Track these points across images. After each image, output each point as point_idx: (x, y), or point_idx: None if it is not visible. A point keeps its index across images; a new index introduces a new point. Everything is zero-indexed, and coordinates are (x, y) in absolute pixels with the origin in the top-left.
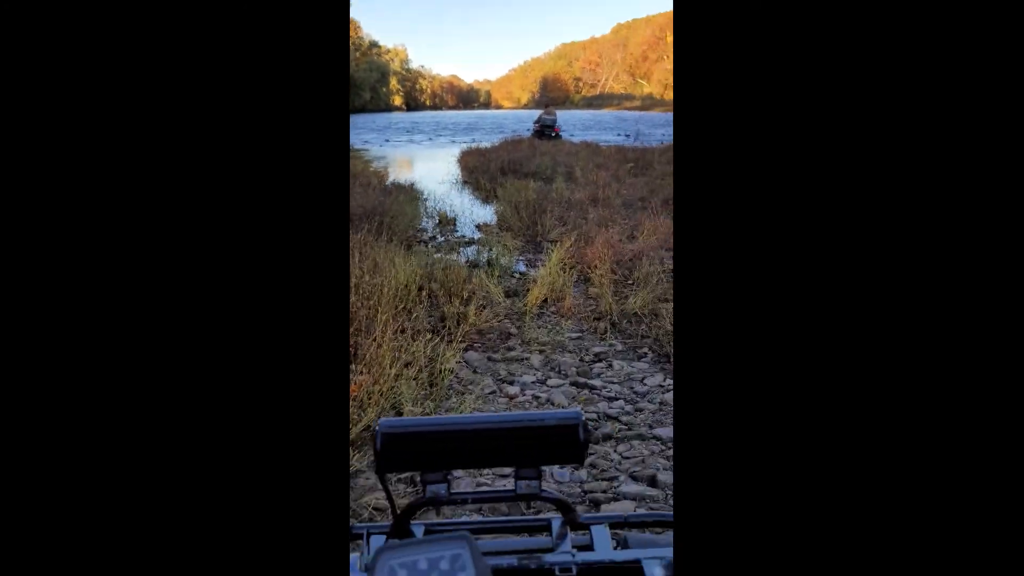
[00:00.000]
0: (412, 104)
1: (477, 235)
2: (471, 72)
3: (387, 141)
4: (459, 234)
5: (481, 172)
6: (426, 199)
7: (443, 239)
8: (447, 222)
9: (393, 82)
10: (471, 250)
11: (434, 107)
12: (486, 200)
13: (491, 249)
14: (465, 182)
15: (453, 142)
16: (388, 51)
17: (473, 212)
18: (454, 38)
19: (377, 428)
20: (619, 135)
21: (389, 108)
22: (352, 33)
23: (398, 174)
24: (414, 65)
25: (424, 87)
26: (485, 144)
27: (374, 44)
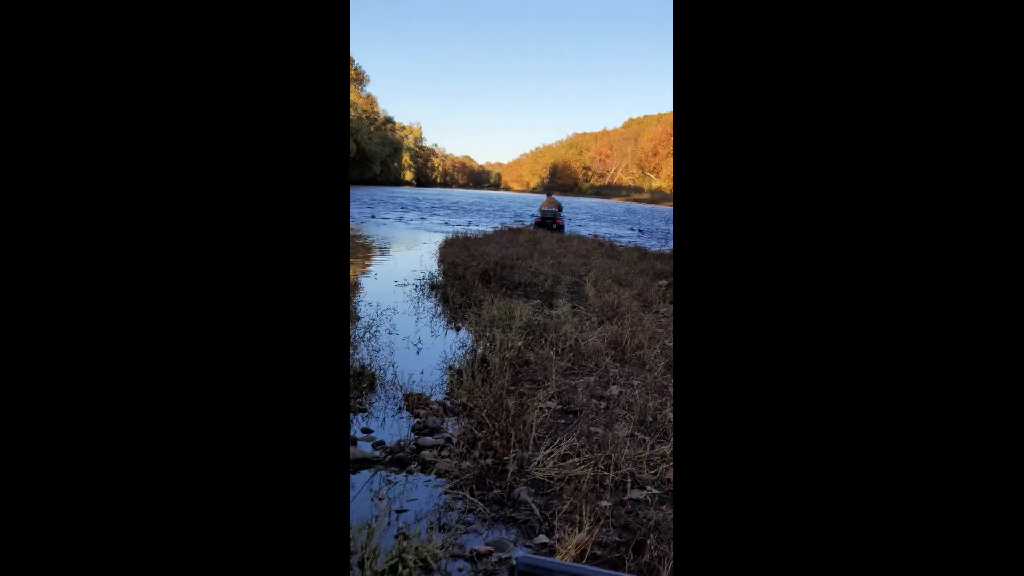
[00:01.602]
0: (423, 180)
1: (396, 432)
2: (484, 154)
3: (372, 218)
4: (372, 417)
5: (457, 277)
6: (358, 319)
7: None
8: (364, 381)
9: (406, 158)
10: (365, 478)
11: (444, 184)
12: (450, 325)
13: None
14: (433, 287)
15: (446, 224)
16: (403, 128)
17: (420, 355)
18: (469, 121)
19: (515, 562)
20: (632, 229)
21: (399, 182)
22: (368, 108)
23: (352, 269)
24: (428, 143)
25: (436, 165)
26: (481, 229)
27: (389, 120)
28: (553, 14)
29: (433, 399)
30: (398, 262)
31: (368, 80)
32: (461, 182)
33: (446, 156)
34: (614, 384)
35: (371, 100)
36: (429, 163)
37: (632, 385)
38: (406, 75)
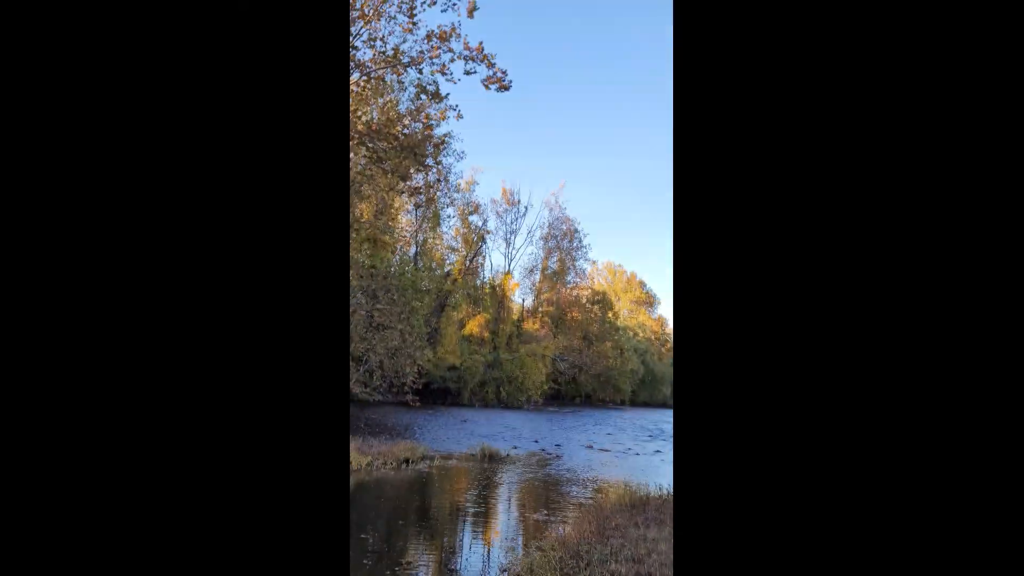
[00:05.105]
0: None
1: None
2: None
3: (589, 447)
4: None
5: None
6: None
7: None
8: None
9: None
10: None
11: None
12: None
13: None
14: None
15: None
16: None
17: None
18: None
19: None
20: None
21: None
22: (658, 329)
23: None
24: None
25: None
26: None
27: None
28: None
29: None
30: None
31: (659, 303)
32: None
33: None
34: None
35: (661, 321)
36: None
37: None
38: None
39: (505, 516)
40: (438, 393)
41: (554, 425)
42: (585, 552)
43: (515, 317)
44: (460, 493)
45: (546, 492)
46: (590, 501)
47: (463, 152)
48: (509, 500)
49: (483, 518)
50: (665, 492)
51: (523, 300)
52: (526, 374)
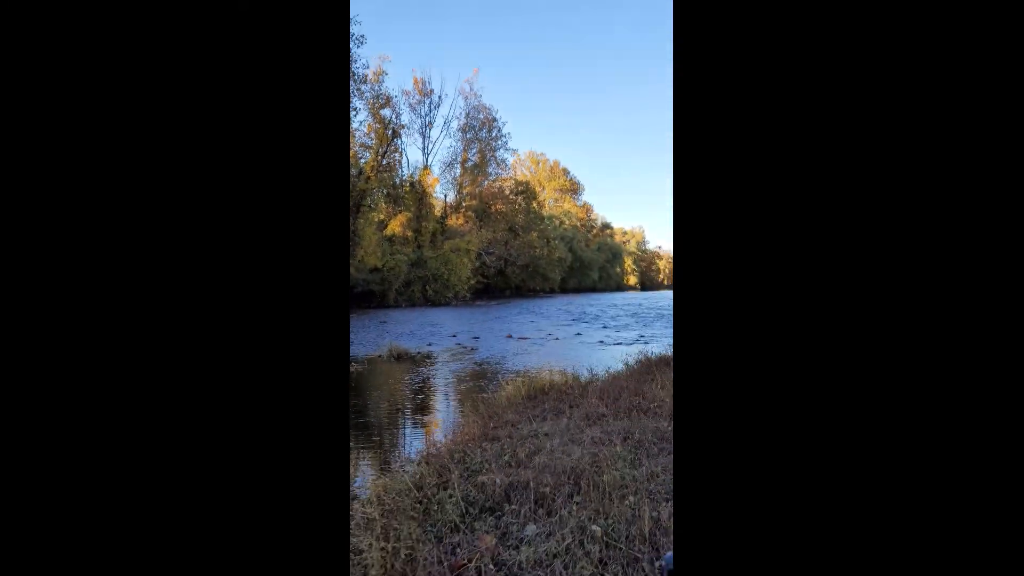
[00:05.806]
0: (648, 284)
1: None
2: None
3: (508, 337)
4: None
5: None
6: None
7: None
8: None
9: (628, 262)
10: None
11: (671, 286)
12: None
13: None
14: None
15: (601, 342)
16: (625, 233)
17: None
18: None
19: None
20: None
21: (621, 287)
22: (583, 216)
23: None
24: (652, 246)
25: (661, 267)
26: (650, 349)
27: (607, 226)
28: None
29: None
30: None
31: (583, 189)
32: None
33: (671, 257)
34: None
35: (587, 208)
36: (653, 266)
37: None
38: (626, 181)
39: (382, 424)
40: (362, 297)
41: (477, 318)
42: (457, 462)
43: (438, 213)
44: None
45: (445, 390)
46: (486, 396)
47: (363, 37)
48: (394, 404)
49: (354, 429)
50: (570, 376)
51: (445, 196)
52: (451, 270)
